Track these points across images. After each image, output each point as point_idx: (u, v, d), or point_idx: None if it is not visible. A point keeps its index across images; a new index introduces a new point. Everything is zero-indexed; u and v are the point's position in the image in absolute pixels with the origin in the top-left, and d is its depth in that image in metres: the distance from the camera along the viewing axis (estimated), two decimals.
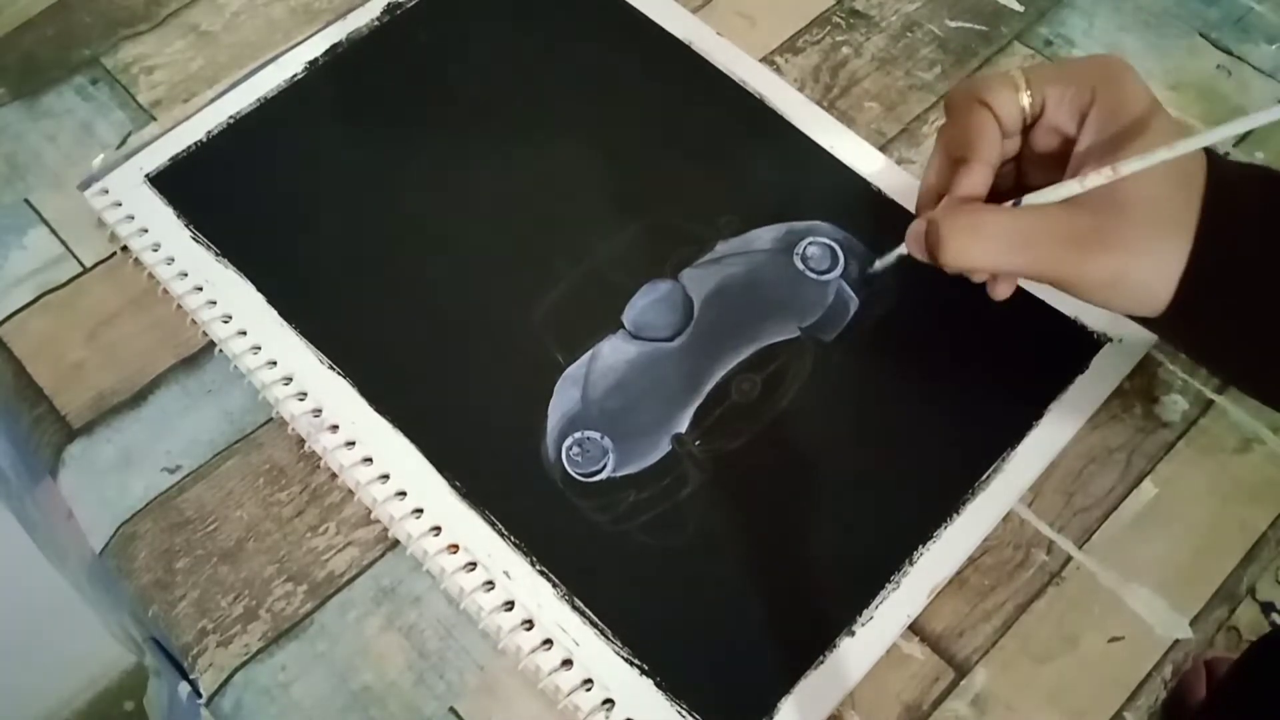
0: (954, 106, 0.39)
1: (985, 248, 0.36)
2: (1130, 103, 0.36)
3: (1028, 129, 0.38)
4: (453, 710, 0.38)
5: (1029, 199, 0.36)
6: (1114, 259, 0.35)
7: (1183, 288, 0.35)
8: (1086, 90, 0.36)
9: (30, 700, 0.99)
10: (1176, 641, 0.39)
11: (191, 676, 0.39)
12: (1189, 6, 0.53)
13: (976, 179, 0.37)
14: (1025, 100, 0.38)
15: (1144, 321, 0.38)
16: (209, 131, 0.48)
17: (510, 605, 0.38)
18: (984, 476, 0.40)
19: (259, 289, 0.44)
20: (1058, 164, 0.37)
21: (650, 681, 0.37)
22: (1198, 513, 0.41)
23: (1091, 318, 0.44)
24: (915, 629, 0.39)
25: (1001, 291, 0.39)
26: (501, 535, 0.39)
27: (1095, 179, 0.35)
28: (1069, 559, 0.40)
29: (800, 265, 0.45)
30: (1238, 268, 0.35)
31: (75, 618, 0.61)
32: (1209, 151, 0.36)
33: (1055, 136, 0.38)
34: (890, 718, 0.37)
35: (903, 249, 0.40)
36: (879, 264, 0.41)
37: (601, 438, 0.41)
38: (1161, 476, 0.41)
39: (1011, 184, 0.39)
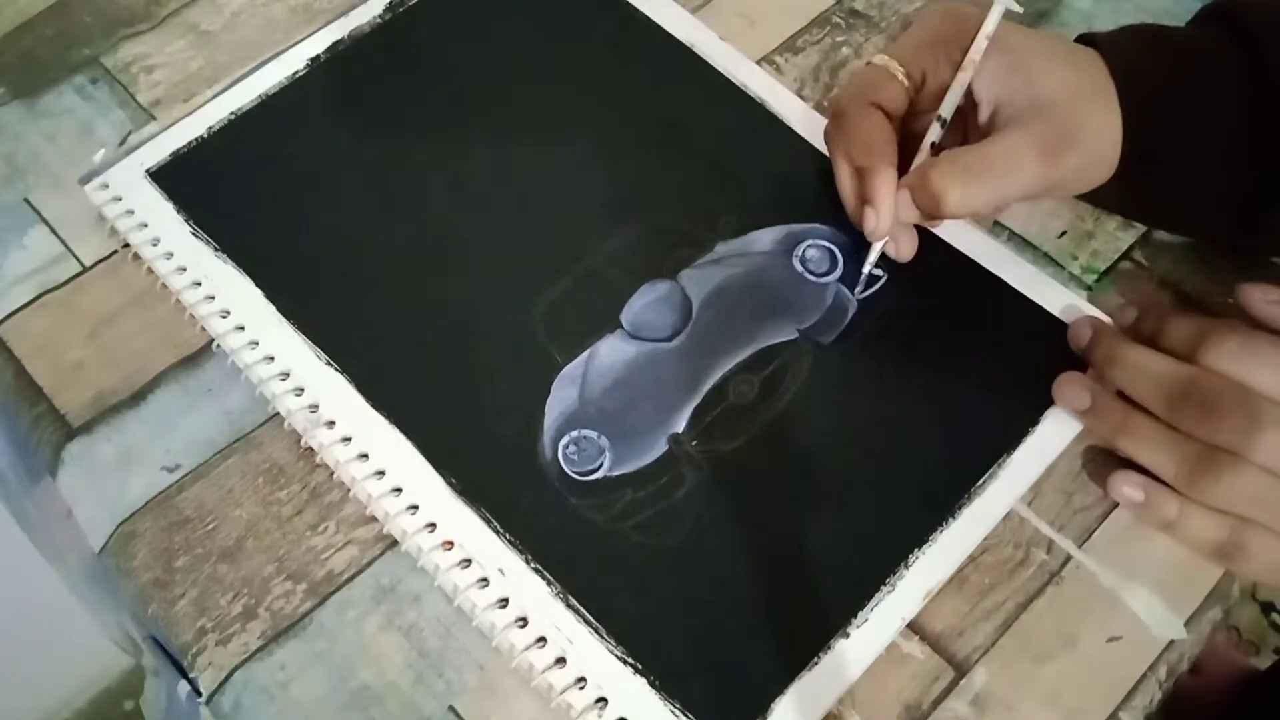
0: (843, 114, 0.42)
1: (983, 185, 0.39)
2: (970, 29, 0.40)
3: (912, 101, 0.42)
4: (452, 709, 0.38)
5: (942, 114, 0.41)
6: (1081, 149, 0.39)
7: (1125, 147, 0.39)
8: (954, 47, 0.40)
9: (30, 700, 0.99)
10: (1172, 643, 0.38)
11: (191, 675, 0.39)
12: (1188, 6, 0.53)
13: (887, 184, 0.40)
14: (906, 83, 0.41)
15: (1091, 196, 0.42)
16: (210, 127, 0.48)
17: (505, 602, 0.38)
18: (980, 481, 0.40)
19: (257, 285, 0.44)
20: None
21: (644, 681, 0.37)
22: None
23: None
24: (915, 628, 0.39)
25: (905, 250, 0.43)
26: (497, 532, 0.39)
27: (964, 76, 0.40)
28: (1069, 558, 0.40)
29: (799, 267, 0.45)
30: (1165, 117, 0.39)
31: (75, 618, 0.61)
32: (1090, 37, 0.41)
33: (941, 94, 0.41)
34: (890, 717, 0.37)
35: (875, 253, 0.43)
36: (862, 282, 0.44)
37: (598, 437, 0.41)
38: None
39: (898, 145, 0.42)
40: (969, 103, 0.42)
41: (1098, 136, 0.39)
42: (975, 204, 0.39)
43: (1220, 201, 0.41)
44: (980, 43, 0.40)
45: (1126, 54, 0.40)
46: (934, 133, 0.42)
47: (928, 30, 0.42)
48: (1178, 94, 0.39)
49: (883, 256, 0.44)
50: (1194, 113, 0.40)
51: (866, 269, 0.43)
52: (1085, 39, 0.42)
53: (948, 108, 0.41)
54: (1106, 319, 0.43)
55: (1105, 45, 0.40)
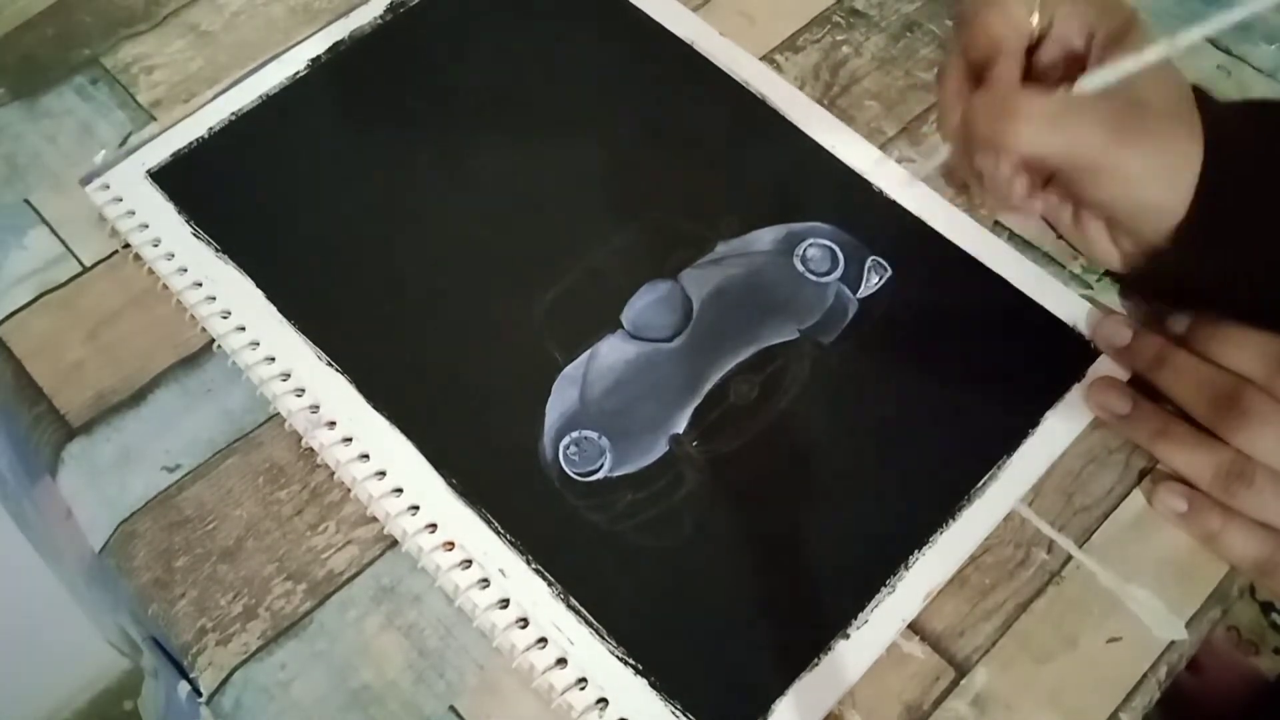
0: (969, 14, 0.39)
1: (1023, 127, 0.36)
2: (1128, 22, 0.38)
3: (1031, 48, 0.39)
4: (453, 709, 0.38)
5: (1082, 82, 0.37)
6: (1148, 147, 0.37)
7: (1198, 194, 0.37)
8: (1095, 10, 0.38)
9: (30, 700, 0.99)
10: (1172, 643, 0.38)
11: (191, 675, 0.39)
12: (1189, 6, 0.53)
13: (1010, 71, 0.38)
14: (1035, 18, 0.39)
15: (1151, 261, 0.39)
16: (210, 128, 0.48)
17: (505, 603, 0.38)
18: (981, 481, 0.40)
19: (258, 285, 0.44)
20: (1056, 83, 0.38)
21: (644, 681, 0.37)
22: None
23: (1090, 325, 0.43)
24: (915, 628, 0.39)
25: (1024, 203, 0.39)
26: (497, 533, 0.39)
27: (1156, 51, 0.35)
28: (1069, 558, 0.40)
29: (800, 267, 0.45)
30: (1242, 182, 0.37)
31: (75, 618, 0.61)
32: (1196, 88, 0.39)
33: (1059, 53, 0.39)
34: (890, 717, 0.37)
35: (943, 153, 0.41)
36: (931, 161, 0.42)
37: (599, 437, 0.41)
38: (1161, 477, 0.41)
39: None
40: (1064, 55, 0.39)
41: (1172, 149, 0.37)
42: (1006, 142, 0.37)
43: None
44: (1160, 46, 0.36)
45: (1223, 108, 0.38)
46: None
47: None
48: (1269, 157, 0.38)
49: (887, 253, 0.43)
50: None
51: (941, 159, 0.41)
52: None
53: (1086, 80, 0.37)
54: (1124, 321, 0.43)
55: (1197, 90, 0.38)
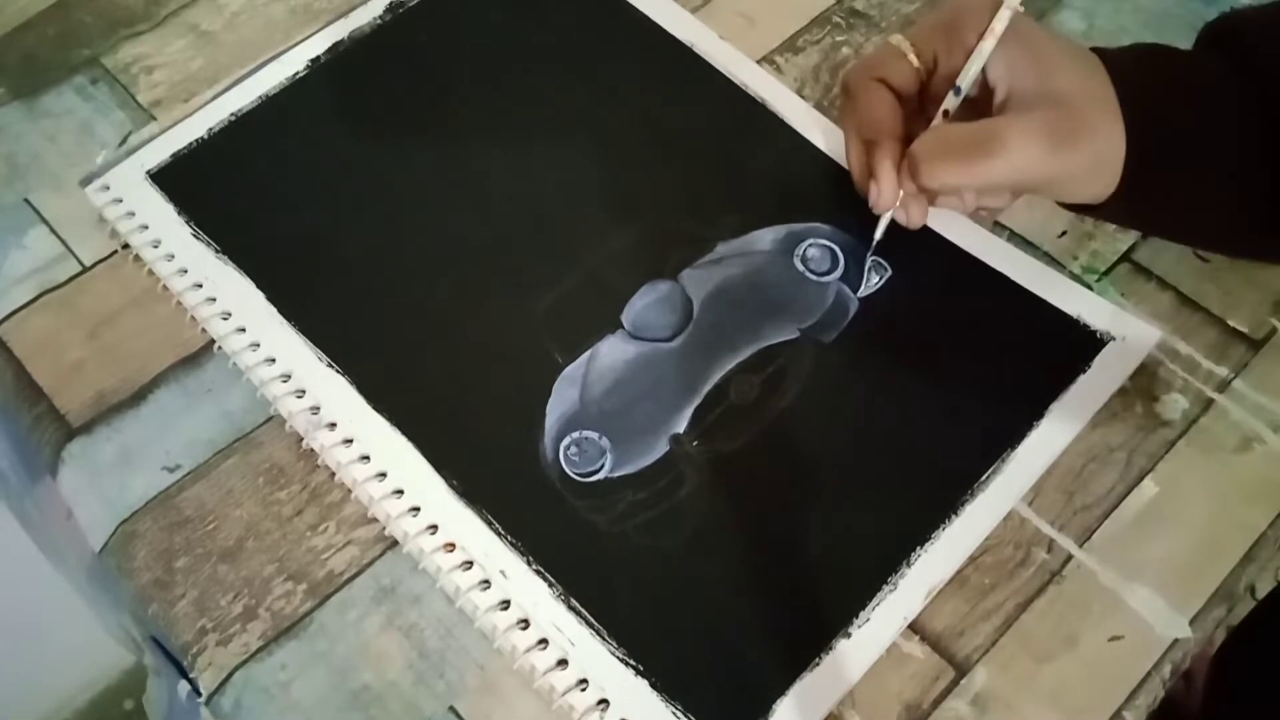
0: (852, 90, 0.43)
1: (958, 161, 0.39)
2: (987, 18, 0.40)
3: (923, 84, 0.42)
4: (452, 709, 0.38)
5: (958, 83, 0.40)
6: (1083, 148, 0.38)
7: (1129, 159, 0.38)
8: (969, 32, 0.40)
9: (30, 700, 0.99)
10: (1176, 641, 0.38)
11: (191, 675, 0.39)
12: (1189, 6, 0.53)
13: (889, 155, 0.41)
14: (916, 63, 0.41)
15: (1086, 208, 0.41)
16: (210, 128, 0.48)
17: (506, 604, 0.38)
18: (983, 479, 0.40)
19: (258, 286, 0.44)
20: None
21: (646, 682, 0.37)
22: (1198, 512, 0.41)
23: (1094, 317, 0.43)
24: (915, 628, 0.39)
25: (915, 217, 0.43)
26: (498, 534, 0.39)
27: (985, 44, 0.39)
28: (1069, 558, 0.40)
29: (800, 266, 0.45)
30: (1166, 132, 0.39)
31: (75, 618, 0.61)
32: (1098, 50, 0.40)
33: (951, 80, 0.41)
34: (890, 717, 0.37)
35: (882, 225, 0.43)
36: (875, 246, 0.44)
37: (599, 438, 0.41)
38: (1162, 475, 0.41)
39: (910, 128, 0.42)
40: (985, 88, 0.41)
41: (1104, 141, 0.39)
42: (947, 179, 0.39)
43: (1228, 216, 0.41)
44: (1004, 13, 0.40)
45: (1130, 69, 0.40)
46: (949, 101, 0.41)
47: (944, 14, 0.42)
48: (1180, 110, 0.39)
49: (887, 252, 0.44)
50: (1197, 128, 0.39)
51: (875, 238, 0.44)
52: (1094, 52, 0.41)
53: (965, 78, 0.41)
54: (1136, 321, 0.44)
55: (1109, 58, 0.40)
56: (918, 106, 0.43)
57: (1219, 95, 0.39)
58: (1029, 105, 0.39)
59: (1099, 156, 0.39)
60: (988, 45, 0.40)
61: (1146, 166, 0.39)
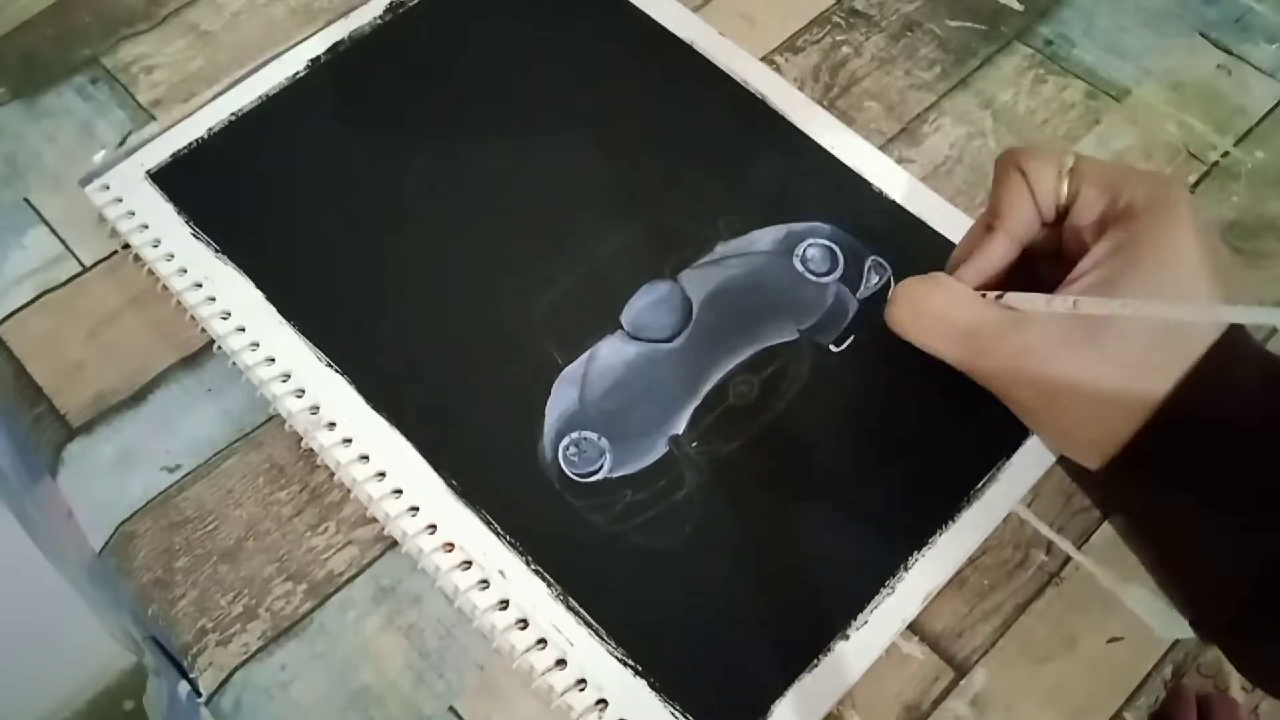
0: (999, 168, 0.36)
1: (920, 326, 0.35)
2: (1161, 237, 0.31)
3: (1060, 218, 0.35)
4: (452, 709, 0.38)
5: (1008, 299, 0.34)
6: (1070, 413, 0.32)
7: (1135, 443, 0.31)
8: (1122, 200, 0.33)
9: (30, 700, 0.99)
10: (1177, 642, 0.38)
11: (191, 676, 0.39)
12: (1189, 6, 0.53)
13: (997, 249, 0.35)
14: (1063, 185, 0.34)
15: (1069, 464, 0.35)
16: (210, 128, 0.48)
17: (505, 604, 0.38)
18: (981, 482, 0.40)
19: (258, 286, 0.44)
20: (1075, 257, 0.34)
21: (644, 683, 0.37)
22: None
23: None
24: (915, 629, 0.39)
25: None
26: (497, 534, 0.39)
27: (1060, 303, 0.31)
28: (1068, 559, 0.40)
29: (800, 267, 0.45)
30: (1202, 435, 0.31)
31: (75, 618, 0.61)
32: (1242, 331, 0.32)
33: (1078, 237, 0.34)
34: (890, 718, 0.37)
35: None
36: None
37: (598, 438, 0.41)
38: None
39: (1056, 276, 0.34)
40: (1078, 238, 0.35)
41: (1111, 405, 0.31)
42: (907, 337, 0.36)
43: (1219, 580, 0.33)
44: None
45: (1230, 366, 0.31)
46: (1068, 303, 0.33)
47: (1130, 174, 0.34)
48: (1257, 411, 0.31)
49: (884, 252, 0.43)
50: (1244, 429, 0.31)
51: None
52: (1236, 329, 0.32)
53: (1011, 299, 0.34)
54: None
55: (1231, 348, 0.31)
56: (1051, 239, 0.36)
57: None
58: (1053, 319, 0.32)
59: (1071, 432, 0.33)
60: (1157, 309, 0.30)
61: (1157, 455, 0.32)
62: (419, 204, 0.47)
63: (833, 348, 0.43)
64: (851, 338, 0.43)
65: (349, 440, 0.41)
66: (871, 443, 0.41)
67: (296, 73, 0.50)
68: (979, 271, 0.37)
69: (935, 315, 0.35)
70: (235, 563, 0.40)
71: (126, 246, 0.46)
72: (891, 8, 0.53)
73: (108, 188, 0.46)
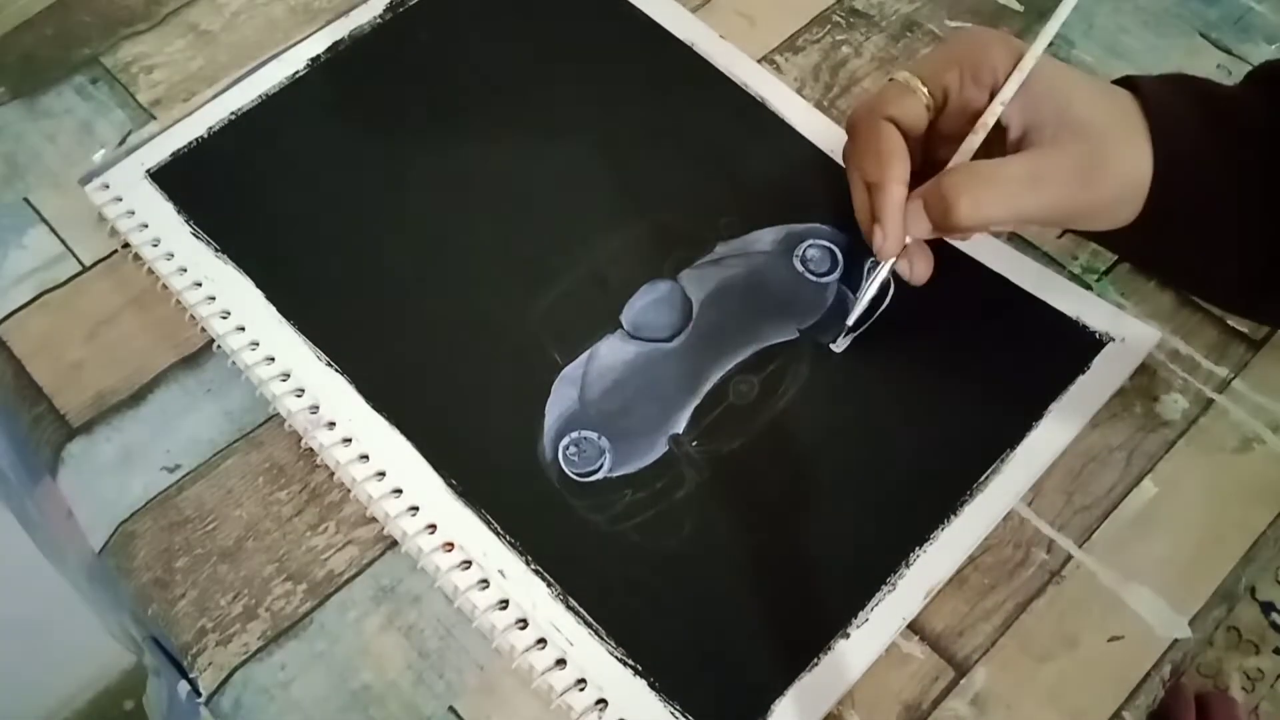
0: (858, 128, 0.40)
1: (998, 195, 0.38)
2: (1008, 60, 0.39)
3: (932, 122, 0.40)
4: (452, 709, 0.38)
5: (985, 118, 0.39)
6: (1114, 179, 0.37)
7: (1152, 190, 0.38)
8: (981, 69, 0.39)
9: (30, 700, 0.99)
10: (1176, 641, 0.38)
11: (191, 675, 0.39)
12: (1189, 6, 0.53)
13: (895, 199, 0.39)
14: (927, 100, 0.40)
15: (1105, 240, 0.41)
16: (210, 128, 0.48)
17: (505, 604, 0.38)
18: (982, 479, 0.40)
19: (258, 285, 0.44)
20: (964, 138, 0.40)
21: (644, 682, 0.37)
22: (1198, 512, 0.41)
23: (1093, 318, 0.43)
24: (915, 628, 0.39)
25: (921, 273, 0.41)
26: (497, 534, 0.39)
27: (994, 110, 0.38)
28: (1069, 558, 0.40)
29: (800, 267, 0.45)
30: (1193, 167, 0.38)
31: (75, 618, 0.61)
32: (1130, 79, 0.39)
33: (963, 116, 0.40)
34: (890, 717, 0.37)
35: (884, 270, 0.41)
36: (859, 308, 0.42)
37: (598, 438, 0.41)
38: (1162, 475, 0.41)
39: (918, 167, 0.40)
40: (997, 127, 0.40)
41: (1132, 170, 0.37)
42: (987, 214, 0.38)
43: (1237, 266, 0.39)
44: (1039, 46, 0.39)
45: (1165, 100, 0.38)
46: (972, 139, 0.39)
47: (954, 49, 0.40)
48: (1211, 147, 0.38)
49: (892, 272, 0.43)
50: (1226, 170, 0.38)
51: (873, 289, 0.41)
52: (1125, 81, 0.40)
53: (992, 114, 0.39)
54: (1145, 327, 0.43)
55: (1145, 88, 0.39)
56: (923, 147, 0.41)
57: (1254, 132, 0.38)
58: (1054, 139, 0.38)
59: (1126, 183, 0.38)
60: (1015, 81, 0.38)
61: (1169, 200, 0.38)
62: (419, 203, 0.47)
63: (833, 347, 0.43)
64: (851, 337, 0.43)
65: (349, 440, 0.41)
66: (871, 442, 0.41)
67: (296, 72, 0.50)
68: (909, 211, 0.39)
69: (1009, 178, 0.38)
70: (235, 562, 0.40)
71: (126, 246, 0.46)
72: (891, 8, 0.53)
73: (107, 187, 0.46)
